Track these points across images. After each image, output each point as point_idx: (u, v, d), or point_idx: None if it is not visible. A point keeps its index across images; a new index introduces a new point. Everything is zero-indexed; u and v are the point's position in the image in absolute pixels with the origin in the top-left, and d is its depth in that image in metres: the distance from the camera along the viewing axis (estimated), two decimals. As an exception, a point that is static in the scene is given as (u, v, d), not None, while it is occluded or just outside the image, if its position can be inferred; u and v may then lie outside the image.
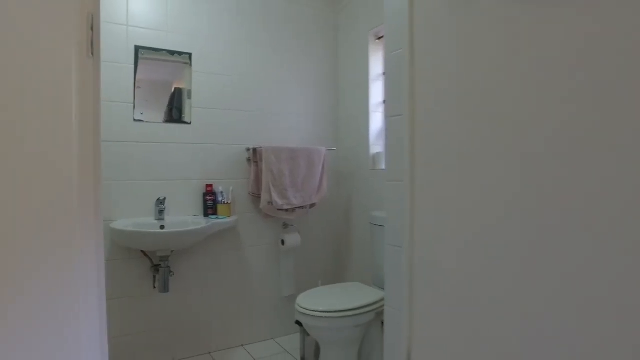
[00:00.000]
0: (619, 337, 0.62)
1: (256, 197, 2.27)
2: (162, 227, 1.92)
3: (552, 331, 0.78)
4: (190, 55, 2.12)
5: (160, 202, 1.96)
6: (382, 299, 1.80)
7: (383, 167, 2.15)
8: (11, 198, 0.57)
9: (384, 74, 1.27)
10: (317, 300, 1.81)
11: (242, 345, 2.27)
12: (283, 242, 2.33)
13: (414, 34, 1.11)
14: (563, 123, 0.76)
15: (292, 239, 2.36)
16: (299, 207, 2.29)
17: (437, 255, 1.06)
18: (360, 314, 1.77)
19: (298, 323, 2.03)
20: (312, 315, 1.74)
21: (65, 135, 0.62)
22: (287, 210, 2.25)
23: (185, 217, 2.05)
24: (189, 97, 2.12)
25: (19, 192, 0.58)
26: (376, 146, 2.32)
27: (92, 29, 0.70)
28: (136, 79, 1.98)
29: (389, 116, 1.26)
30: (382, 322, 1.56)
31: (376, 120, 2.33)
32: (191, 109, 2.12)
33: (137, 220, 1.92)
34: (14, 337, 0.56)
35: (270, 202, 2.17)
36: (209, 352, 2.17)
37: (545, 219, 0.79)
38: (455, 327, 1.01)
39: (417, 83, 1.11)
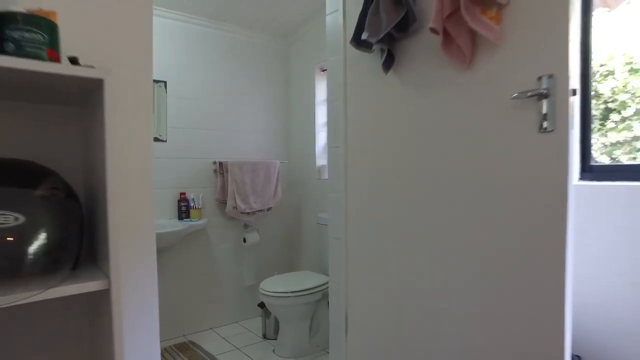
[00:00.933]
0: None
1: (222, 202, 2.71)
2: (145, 229, 2.31)
3: (428, 290, 1.37)
4: (165, 83, 2.51)
5: (143, 208, 2.34)
6: (326, 282, 2.33)
7: (327, 177, 2.69)
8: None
9: (327, 100, 1.73)
10: (276, 285, 2.30)
11: (211, 328, 2.70)
12: (245, 240, 2.79)
13: (347, 94, 1.67)
14: (426, 154, 1.36)
15: (252, 237, 2.82)
16: (258, 211, 2.77)
17: (361, 243, 1.62)
18: (310, 293, 2.28)
19: (261, 305, 2.52)
20: (273, 296, 2.23)
21: (147, 175, 1.06)
22: (248, 213, 2.72)
23: (163, 221, 2.45)
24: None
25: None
26: (321, 159, 2.85)
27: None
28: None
29: (330, 147, 1.79)
30: (328, 302, 2.08)
31: (321, 138, 2.86)
32: (167, 129, 2.52)
33: (123, 224, 2.29)
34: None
35: (235, 207, 2.63)
36: (184, 335, 2.58)
37: (418, 218, 1.38)
38: (372, 291, 1.58)
39: (349, 126, 1.66)
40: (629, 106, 1.92)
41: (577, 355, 1.63)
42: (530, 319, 1.08)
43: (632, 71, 1.93)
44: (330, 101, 1.79)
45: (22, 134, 0.92)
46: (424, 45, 1.33)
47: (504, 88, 1.14)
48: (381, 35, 1.32)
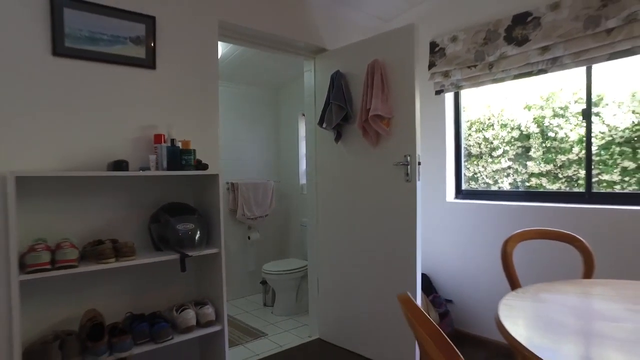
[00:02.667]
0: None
1: (233, 211, 3.89)
2: (185, 231, 3.48)
3: (357, 248, 2.61)
4: (194, 129, 3.67)
5: (182, 217, 3.51)
6: (306, 265, 3.54)
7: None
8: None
9: (305, 154, 2.93)
10: (273, 267, 3.51)
11: (227, 300, 3.88)
12: (249, 238, 3.98)
13: (317, 149, 2.88)
14: (355, 188, 2.63)
15: (254, 235, 4.02)
16: (259, 217, 3.96)
17: (326, 238, 2.84)
18: (296, 272, 3.49)
19: (262, 282, 3.72)
20: (272, 274, 3.43)
21: (217, 204, 2.27)
22: (252, 218, 3.91)
23: (195, 225, 3.62)
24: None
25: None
26: (303, 179, 4.06)
27: (215, 168, 2.36)
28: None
29: (307, 180, 3.00)
30: (307, 279, 3.28)
31: (303, 164, 4.07)
32: (195, 161, 3.68)
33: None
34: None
35: (244, 214, 3.82)
36: (208, 304, 3.75)
37: (351, 221, 2.63)
38: (330, 263, 2.80)
39: (318, 168, 2.87)
40: (499, 148, 3.19)
41: (449, 300, 2.89)
42: (401, 259, 2.32)
43: (502, 125, 3.19)
44: (307, 151, 3.01)
45: (172, 190, 2.10)
46: (356, 131, 2.56)
47: (391, 158, 2.37)
48: (333, 125, 2.55)
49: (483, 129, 3.31)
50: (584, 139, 2.41)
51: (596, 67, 2.33)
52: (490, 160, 3.23)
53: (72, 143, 1.80)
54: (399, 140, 2.34)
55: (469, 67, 2.69)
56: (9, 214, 1.45)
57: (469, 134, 3.24)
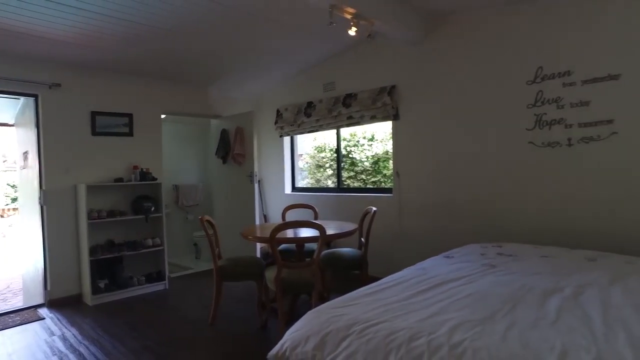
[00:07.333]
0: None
1: (176, 202, 6.84)
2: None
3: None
4: (151, 153, 6.62)
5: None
6: (220, 231, 6.54)
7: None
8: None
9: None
10: (200, 233, 6.49)
11: (171, 257, 6.84)
12: (187, 218, 6.95)
13: (217, 167, 5.95)
14: (230, 187, 5.76)
15: (190, 216, 6.99)
16: (193, 205, 6.94)
17: (221, 210, 5.92)
18: (212, 235, 6.49)
19: (194, 244, 6.74)
20: (199, 237, 6.43)
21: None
22: (188, 206, 6.88)
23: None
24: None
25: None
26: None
27: (161, 178, 5.38)
28: (134, 164, 6.44)
29: (213, 182, 6.00)
30: (218, 235, 6.28)
31: (221, 172, 7.07)
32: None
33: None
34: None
35: (183, 203, 6.79)
36: (161, 257, 6.70)
37: (229, 199, 5.75)
38: (224, 224, 5.88)
39: (217, 177, 5.93)
40: (327, 163, 6.28)
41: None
42: (249, 211, 5.37)
43: (330, 150, 6.28)
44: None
45: (141, 190, 5.04)
46: (231, 160, 5.58)
47: (245, 173, 5.43)
48: (221, 156, 5.58)
49: (321, 152, 6.41)
50: (362, 159, 5.52)
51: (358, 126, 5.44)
52: (322, 170, 6.35)
53: (102, 170, 4.74)
54: (248, 164, 5.39)
55: (290, 125, 5.75)
56: (83, 200, 4.40)
57: (316, 154, 6.31)
